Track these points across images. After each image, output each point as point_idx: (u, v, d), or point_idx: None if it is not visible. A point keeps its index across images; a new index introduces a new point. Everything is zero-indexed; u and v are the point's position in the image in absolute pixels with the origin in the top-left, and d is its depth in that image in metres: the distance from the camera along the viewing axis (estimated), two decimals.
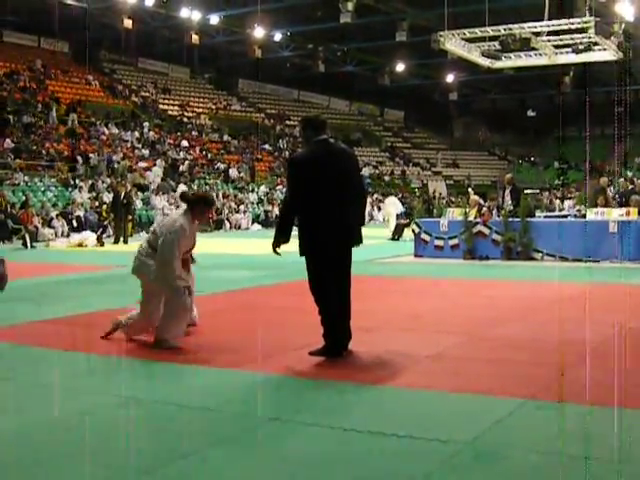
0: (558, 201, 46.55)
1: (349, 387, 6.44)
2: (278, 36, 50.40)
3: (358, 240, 7.73)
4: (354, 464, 4.70)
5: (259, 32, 46.34)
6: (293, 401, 6.14)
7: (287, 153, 54.86)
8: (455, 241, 19.27)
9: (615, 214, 18.30)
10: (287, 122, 62.75)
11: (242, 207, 42.61)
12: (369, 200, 41.55)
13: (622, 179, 27.70)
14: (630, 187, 22.83)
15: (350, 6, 41.63)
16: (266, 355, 7.55)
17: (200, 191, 33.76)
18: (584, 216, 19.60)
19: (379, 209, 45.34)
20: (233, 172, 47.99)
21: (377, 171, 60.65)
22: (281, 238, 7.54)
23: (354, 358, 7.50)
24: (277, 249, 7.52)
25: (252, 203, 44.40)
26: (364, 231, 7.87)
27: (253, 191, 46.55)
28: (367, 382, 6.52)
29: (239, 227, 40.58)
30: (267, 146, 56.52)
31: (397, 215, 29.11)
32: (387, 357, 7.68)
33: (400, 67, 56.74)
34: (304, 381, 6.75)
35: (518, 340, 8.44)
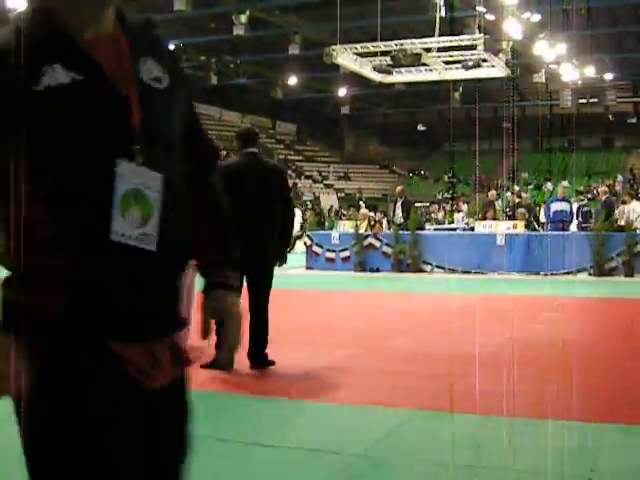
0: (441, 214, 47.41)
1: (240, 399, 6.42)
2: (170, 47, 50.06)
3: (280, 258, 7.79)
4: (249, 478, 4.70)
5: None
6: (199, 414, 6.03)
7: None
8: (346, 253, 19.43)
9: (502, 227, 18.72)
10: None
11: None
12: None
13: (509, 193, 28.34)
14: (517, 201, 23.33)
15: (243, 19, 41.61)
16: None
17: None
18: (472, 229, 19.99)
19: None
20: None
21: None
22: None
23: (246, 371, 7.50)
24: None
25: None
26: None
27: None
28: (259, 394, 6.52)
29: None
30: None
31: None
32: (280, 370, 7.70)
33: (293, 80, 56.83)
34: (197, 394, 6.64)
35: (408, 351, 8.55)
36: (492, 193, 25.54)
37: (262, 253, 7.51)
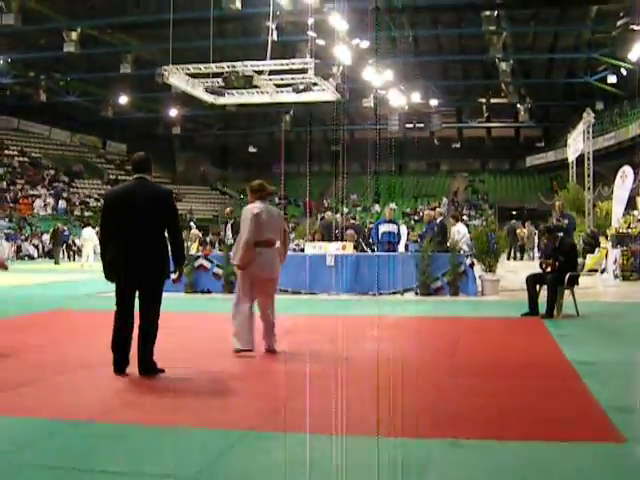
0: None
1: (67, 425, 6.26)
2: None
3: (160, 274, 8.31)
4: None
5: None
6: (18, 441, 5.82)
7: (5, 184, 52.69)
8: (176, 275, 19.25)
9: (332, 248, 18.97)
10: (6, 152, 60.37)
11: None
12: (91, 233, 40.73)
13: (339, 215, 28.81)
14: (346, 222, 23.73)
15: (74, 36, 40.89)
16: None
17: None
18: (302, 250, 20.17)
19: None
20: None
21: (99, 204, 59.41)
22: (104, 265, 8.24)
23: (75, 397, 7.37)
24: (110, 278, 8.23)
25: None
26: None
27: None
28: (92, 419, 6.40)
29: None
30: None
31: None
32: (108, 393, 7.59)
33: (124, 99, 56.14)
34: (30, 421, 6.44)
35: (240, 372, 8.57)
36: (328, 214, 25.93)
37: (149, 268, 8.21)
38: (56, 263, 38.96)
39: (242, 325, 9.59)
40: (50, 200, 54.75)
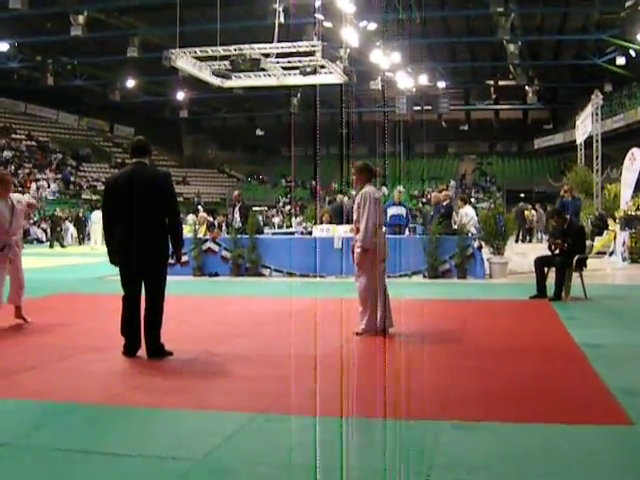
0: (279, 218, 47.70)
1: (76, 407, 6.27)
2: (5, 46, 48.36)
3: (162, 257, 8.43)
4: None
5: None
6: (26, 425, 5.85)
7: (12, 168, 52.74)
8: (184, 258, 19.23)
9: (340, 231, 18.93)
10: (13, 135, 60.41)
11: None
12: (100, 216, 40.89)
13: (347, 197, 28.75)
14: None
15: (81, 19, 40.80)
16: None
17: None
18: (310, 233, 20.15)
19: None
20: None
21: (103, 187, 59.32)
22: (108, 250, 8.44)
23: (81, 380, 7.40)
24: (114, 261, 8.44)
25: None
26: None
27: None
28: (94, 402, 6.41)
29: None
30: None
31: None
32: (116, 376, 7.62)
33: (131, 83, 56.10)
34: (38, 404, 6.48)
35: (248, 355, 8.57)
36: (340, 197, 25.87)
37: (151, 252, 8.30)
38: (51, 247, 39.49)
39: (380, 306, 9.69)
40: (51, 184, 54.63)
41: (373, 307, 9.68)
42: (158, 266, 8.41)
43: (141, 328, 8.33)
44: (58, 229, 41.11)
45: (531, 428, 5.63)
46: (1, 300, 10.73)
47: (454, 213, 19.97)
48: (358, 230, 9.73)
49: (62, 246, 39.75)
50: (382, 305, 9.73)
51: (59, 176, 57.51)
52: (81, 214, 43.15)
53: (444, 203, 20.58)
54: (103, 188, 8.88)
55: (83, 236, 43.36)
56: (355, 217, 9.82)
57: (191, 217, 25.42)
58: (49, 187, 53.89)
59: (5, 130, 60.10)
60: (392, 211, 20.34)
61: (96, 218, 36.57)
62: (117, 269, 8.43)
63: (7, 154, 56.05)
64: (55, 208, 44.92)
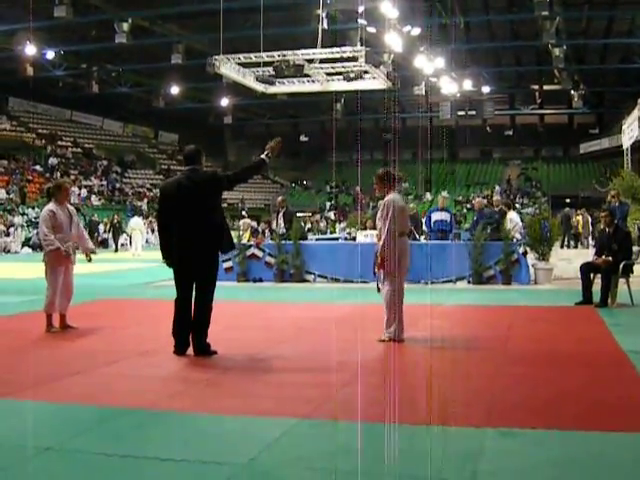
0: (323, 223, 47.70)
1: (121, 412, 6.33)
2: (51, 54, 48.81)
3: (213, 261, 8.88)
4: None
5: (31, 49, 44.66)
6: (72, 429, 5.91)
7: (58, 175, 53.30)
8: (229, 264, 19.31)
9: None
10: (59, 142, 61.09)
11: (12, 230, 41.11)
12: (144, 223, 41.31)
13: None
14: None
15: (125, 27, 41.08)
16: (39, 382, 7.36)
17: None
18: (354, 239, 20.12)
19: (153, 232, 45.18)
20: (1, 194, 46.14)
21: (152, 194, 59.79)
22: (163, 253, 8.82)
23: (128, 383, 7.45)
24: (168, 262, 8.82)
25: (22, 226, 42.87)
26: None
27: (23, 214, 44.96)
28: (143, 407, 6.45)
29: (8, 251, 39.17)
30: (38, 167, 54.72)
31: None
32: (163, 380, 7.66)
33: (175, 90, 56.42)
34: (83, 408, 6.54)
35: (292, 360, 8.58)
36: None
37: (202, 256, 8.66)
38: (116, 251, 39.99)
39: (399, 314, 9.76)
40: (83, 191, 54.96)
41: (399, 315, 9.69)
42: (210, 267, 8.79)
43: (190, 329, 8.69)
44: (95, 234, 41.52)
45: (577, 435, 5.59)
46: (56, 304, 10.89)
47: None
48: (380, 238, 9.70)
49: (116, 250, 40.45)
50: (400, 313, 9.75)
51: (104, 182, 58.03)
52: (116, 220, 43.16)
53: (496, 208, 20.49)
54: (158, 193, 9.37)
55: (117, 243, 43.31)
56: (379, 225, 9.79)
57: (243, 222, 25.49)
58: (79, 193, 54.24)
59: (51, 137, 60.80)
60: (436, 216, 20.28)
61: (134, 224, 36.88)
62: (165, 274, 8.67)
63: (53, 161, 56.68)
64: (93, 214, 45.31)
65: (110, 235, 44.56)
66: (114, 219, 43.10)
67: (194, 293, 8.72)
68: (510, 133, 69.78)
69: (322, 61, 29.39)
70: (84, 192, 54.12)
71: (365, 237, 19.16)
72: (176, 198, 8.60)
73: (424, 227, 21.27)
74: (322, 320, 12.06)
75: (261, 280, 19.26)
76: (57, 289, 10.81)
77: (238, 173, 9.08)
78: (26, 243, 40.56)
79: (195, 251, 8.56)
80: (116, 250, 40.73)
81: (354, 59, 28.62)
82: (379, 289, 9.88)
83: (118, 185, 59.26)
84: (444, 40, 41.10)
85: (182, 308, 8.71)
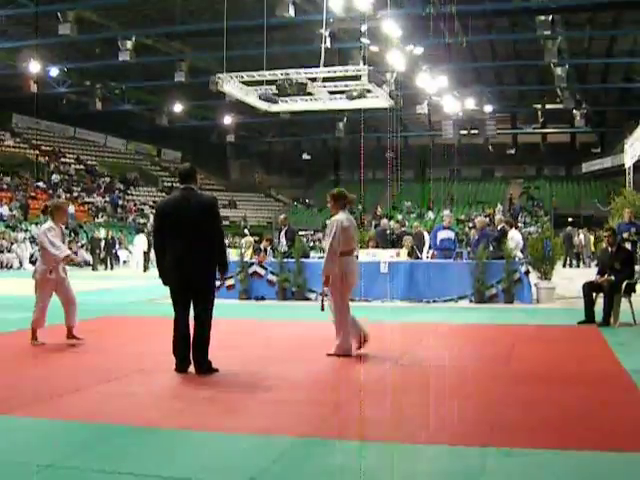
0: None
1: (122, 430, 6.31)
2: (55, 71, 48.94)
3: (210, 279, 8.76)
4: None
5: (35, 67, 44.80)
6: (72, 446, 5.90)
7: (62, 191, 53.34)
8: (231, 281, 19.31)
9: (386, 255, 18.91)
10: (62, 159, 61.17)
11: (15, 246, 41.11)
12: (141, 239, 41.25)
13: (392, 222, 28.68)
14: (402, 229, 23.55)
15: (129, 44, 41.20)
16: (39, 399, 7.35)
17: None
18: (357, 257, 20.09)
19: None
20: (4, 210, 46.15)
21: (154, 211, 59.61)
22: (159, 271, 8.84)
23: (129, 401, 7.43)
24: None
25: (27, 239, 42.83)
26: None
27: (26, 230, 44.95)
28: (145, 425, 6.43)
29: (11, 267, 39.16)
30: (41, 183, 54.76)
31: None
32: (162, 398, 7.64)
33: (178, 108, 56.55)
34: (84, 425, 6.52)
35: (294, 379, 8.56)
36: (384, 222, 25.84)
37: (199, 274, 8.64)
38: (94, 269, 39.54)
39: (353, 330, 10.05)
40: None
41: (345, 330, 9.96)
42: (207, 286, 8.75)
43: (190, 347, 8.67)
44: (97, 251, 41.32)
45: (579, 455, 5.56)
46: (44, 320, 11.16)
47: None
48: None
49: (94, 269, 39.98)
50: (352, 327, 10.06)
51: (107, 199, 58.07)
52: (109, 236, 42.24)
53: (498, 227, 20.50)
54: (154, 212, 9.27)
55: (110, 259, 42.19)
56: (325, 243, 10.07)
57: (245, 240, 25.45)
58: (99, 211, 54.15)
59: (54, 154, 60.86)
60: (442, 235, 20.31)
61: (137, 241, 36.80)
62: (165, 291, 8.64)
63: (56, 178, 56.71)
64: (94, 230, 45.23)
65: (88, 252, 43.73)
66: (108, 235, 42.69)
67: (192, 311, 8.73)
68: (512, 152, 69.74)
69: (325, 80, 29.43)
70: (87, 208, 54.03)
71: (367, 256, 19.14)
72: (177, 216, 8.61)
73: (429, 245, 21.32)
74: (324, 338, 12.01)
75: (263, 298, 19.24)
76: (45, 306, 11.12)
77: (221, 246, 8.97)
78: (29, 259, 40.52)
79: (191, 270, 8.56)
80: (94, 269, 39.90)
81: (357, 78, 28.66)
82: (322, 307, 10.20)
83: (121, 202, 59.27)
84: (447, 59, 41.19)
85: (181, 327, 8.70)
